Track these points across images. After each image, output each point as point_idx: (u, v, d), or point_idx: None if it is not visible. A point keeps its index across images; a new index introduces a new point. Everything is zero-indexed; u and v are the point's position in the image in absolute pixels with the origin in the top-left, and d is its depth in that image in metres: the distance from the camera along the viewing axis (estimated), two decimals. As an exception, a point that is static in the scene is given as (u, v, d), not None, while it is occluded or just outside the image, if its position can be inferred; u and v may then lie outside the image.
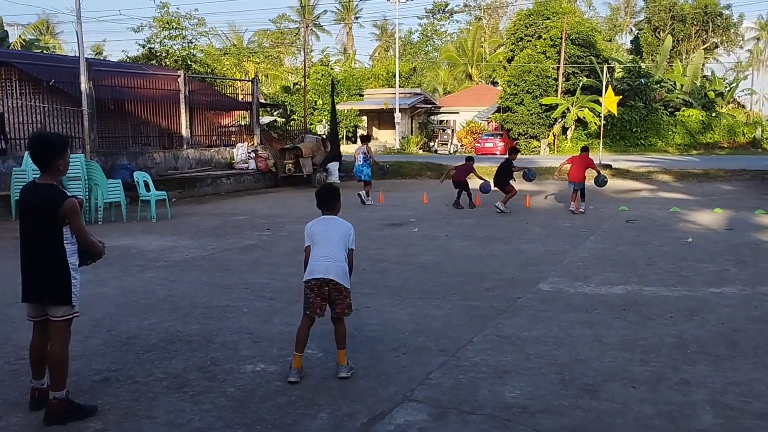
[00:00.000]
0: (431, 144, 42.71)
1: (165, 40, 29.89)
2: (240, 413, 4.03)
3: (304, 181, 19.92)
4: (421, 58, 64.97)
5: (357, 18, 71.90)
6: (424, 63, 63.42)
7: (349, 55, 64.63)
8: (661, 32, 53.65)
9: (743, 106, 50.01)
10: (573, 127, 36.94)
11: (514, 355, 5.03)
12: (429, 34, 69.34)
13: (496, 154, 33.01)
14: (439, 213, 13.62)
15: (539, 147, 36.80)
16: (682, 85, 40.23)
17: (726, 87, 44.08)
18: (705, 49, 52.15)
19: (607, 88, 25.00)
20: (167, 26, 29.62)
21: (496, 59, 52.42)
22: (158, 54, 29.40)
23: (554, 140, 37.21)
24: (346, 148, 32.79)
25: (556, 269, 8.12)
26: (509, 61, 39.67)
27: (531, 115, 36.86)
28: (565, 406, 4.10)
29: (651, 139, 37.30)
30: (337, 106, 31.92)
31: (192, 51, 30.99)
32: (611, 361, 4.87)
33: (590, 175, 13.52)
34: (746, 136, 37.91)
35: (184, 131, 19.53)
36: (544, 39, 37.28)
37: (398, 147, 40.35)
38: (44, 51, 41.10)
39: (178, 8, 56.39)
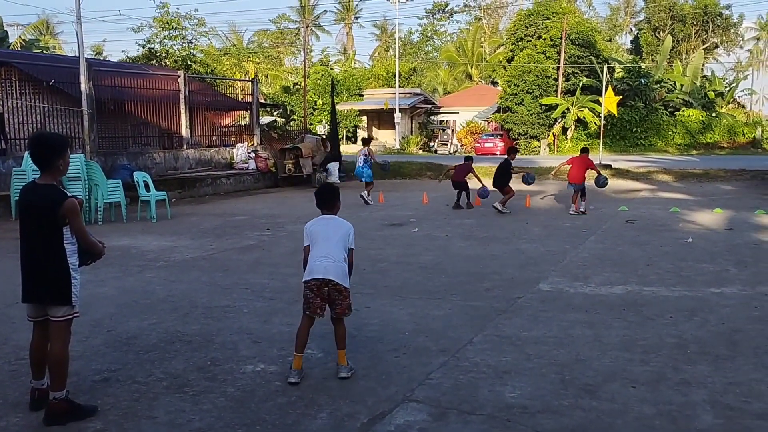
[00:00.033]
0: (431, 144, 42.71)
1: (165, 41, 29.89)
2: (240, 413, 4.03)
3: (304, 181, 19.93)
4: (421, 58, 64.97)
5: (357, 18, 71.97)
6: (424, 63, 63.43)
7: (349, 55, 64.65)
8: (661, 32, 53.67)
9: (743, 106, 50.03)
10: (573, 127, 36.95)
11: (514, 355, 5.03)
12: (429, 34, 69.35)
13: (496, 154, 32.98)
14: (439, 213, 13.63)
15: (539, 147, 36.80)
16: (682, 85, 40.24)
17: (726, 87, 44.09)
18: (705, 49, 52.15)
19: (607, 88, 25.01)
20: (167, 26, 29.62)
21: (496, 59, 52.41)
22: (158, 54, 29.39)
23: (554, 140, 37.21)
24: (346, 149, 32.86)
25: (556, 269, 8.13)
26: (509, 61, 39.68)
27: (531, 115, 36.86)
28: (565, 406, 4.10)
29: (651, 139, 37.30)
30: (337, 107, 31.93)
31: (192, 51, 31.00)
32: (611, 361, 4.87)
33: (590, 175, 13.51)
34: (746, 136, 37.92)
35: (184, 131, 19.53)
36: (544, 39, 37.28)
37: (398, 147, 40.36)
38: (44, 51, 41.11)
39: (178, 8, 56.51)
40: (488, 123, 43.65)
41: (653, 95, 38.50)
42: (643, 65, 42.43)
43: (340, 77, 44.97)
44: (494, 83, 53.07)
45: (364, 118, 43.60)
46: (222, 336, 5.53)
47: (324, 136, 24.16)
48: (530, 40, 38.08)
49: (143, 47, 30.39)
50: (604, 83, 26.02)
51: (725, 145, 37.20)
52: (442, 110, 47.96)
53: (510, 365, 4.81)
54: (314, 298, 4.51)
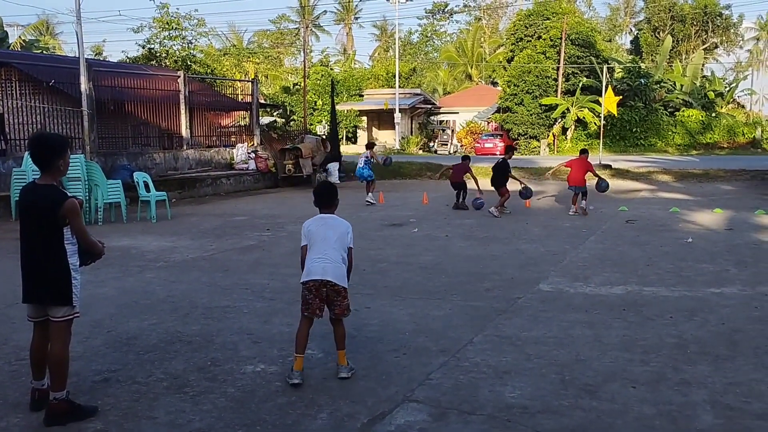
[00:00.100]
0: (431, 144, 42.73)
1: (165, 41, 29.88)
2: (240, 414, 4.03)
3: (304, 182, 19.92)
4: (421, 59, 64.99)
5: (357, 18, 72.04)
6: (424, 63, 63.44)
7: (348, 56, 64.67)
8: (660, 32, 53.67)
9: (743, 107, 50.07)
10: (573, 127, 36.96)
11: (514, 355, 5.03)
12: (429, 35, 69.39)
13: (495, 155, 32.95)
14: (439, 213, 13.63)
15: (539, 147, 36.82)
16: (681, 86, 40.26)
17: (726, 87, 44.12)
18: (705, 49, 52.16)
19: (606, 88, 25.02)
20: (167, 27, 29.61)
21: (496, 59, 52.43)
22: (158, 54, 29.38)
23: (554, 140, 37.22)
24: (346, 149, 32.86)
25: (556, 269, 8.13)
26: (509, 61, 39.70)
27: (531, 115, 36.87)
28: (566, 406, 4.10)
29: (651, 140, 37.32)
30: (337, 107, 31.95)
31: (192, 51, 30.97)
32: (611, 362, 4.87)
33: (590, 177, 13.46)
34: (746, 136, 37.95)
35: (184, 132, 19.54)
36: (544, 39, 37.30)
37: (398, 147, 40.36)
38: (44, 51, 41.10)
39: (177, 9, 56.51)
40: (488, 123, 43.67)
41: (653, 95, 38.52)
42: (642, 65, 42.45)
43: (339, 77, 44.98)
44: (494, 83, 53.10)
45: (364, 118, 43.61)
46: (222, 336, 5.53)
47: (324, 137, 24.18)
48: (530, 41, 38.11)
49: (143, 48, 30.38)
50: (603, 83, 26.03)
51: (725, 146, 37.22)
52: (441, 110, 47.98)
53: (510, 365, 4.81)
54: (313, 299, 4.50)
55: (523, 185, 13.96)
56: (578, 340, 5.37)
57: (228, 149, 20.98)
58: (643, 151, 35.77)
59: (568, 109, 35.70)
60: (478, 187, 14.01)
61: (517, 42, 38.94)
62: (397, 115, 40.49)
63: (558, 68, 36.73)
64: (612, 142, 36.17)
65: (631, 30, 65.93)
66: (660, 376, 4.57)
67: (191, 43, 30.89)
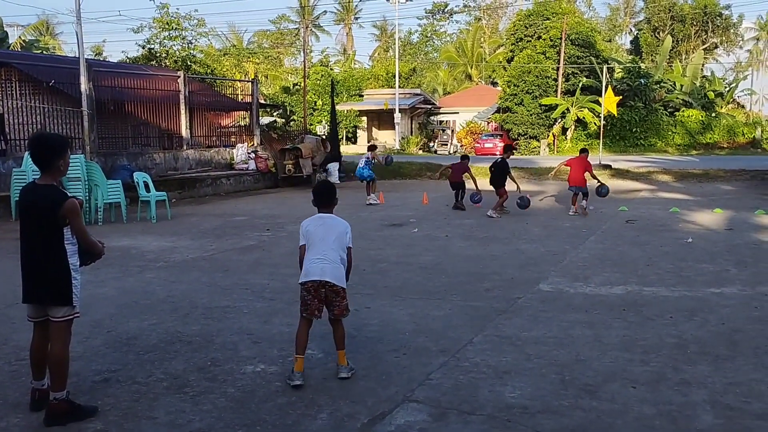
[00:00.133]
0: (431, 144, 42.73)
1: (165, 41, 29.88)
2: (240, 414, 4.03)
3: (304, 182, 19.92)
4: (421, 59, 64.99)
5: (357, 18, 72.01)
6: (424, 63, 63.45)
7: (348, 56, 64.66)
8: (660, 32, 53.68)
9: (743, 107, 50.08)
10: (573, 127, 36.96)
11: (514, 355, 5.03)
12: (429, 35, 69.38)
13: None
14: (439, 213, 13.63)
15: (539, 147, 36.82)
16: (681, 86, 40.26)
17: (726, 87, 44.12)
18: (705, 49, 52.16)
19: (606, 88, 25.01)
20: (167, 27, 29.62)
21: (496, 59, 52.42)
22: (158, 55, 29.39)
23: (554, 140, 37.22)
24: (346, 149, 32.87)
25: (556, 269, 8.13)
26: (509, 61, 39.70)
27: (531, 115, 36.87)
28: (566, 406, 4.10)
29: (651, 140, 37.31)
30: (337, 107, 31.95)
31: (192, 52, 30.98)
32: (611, 362, 4.87)
33: (588, 178, 13.41)
34: (746, 136, 37.94)
35: (184, 132, 19.54)
36: (544, 39, 37.30)
37: (398, 147, 40.37)
38: (44, 52, 41.11)
39: (177, 9, 56.46)
40: (488, 123, 43.67)
41: (653, 95, 38.52)
42: (642, 65, 42.45)
43: (339, 78, 44.98)
44: (494, 83, 53.11)
45: (364, 118, 43.62)
46: (222, 336, 5.53)
47: (324, 137, 24.18)
48: (530, 41, 38.11)
49: (143, 48, 30.39)
50: (603, 83, 26.02)
51: (725, 146, 37.21)
52: (441, 110, 47.99)
53: (510, 365, 4.81)
54: (311, 299, 4.49)
55: (520, 196, 13.33)
56: (578, 340, 5.37)
57: (228, 149, 20.98)
58: (643, 151, 35.77)
59: (568, 109, 35.70)
60: (476, 187, 13.99)
61: (517, 42, 38.94)
62: (397, 116, 40.50)
63: (558, 68, 36.73)
64: (612, 142, 36.17)
65: (631, 30, 65.95)
66: (660, 376, 4.57)
67: (191, 43, 30.92)
